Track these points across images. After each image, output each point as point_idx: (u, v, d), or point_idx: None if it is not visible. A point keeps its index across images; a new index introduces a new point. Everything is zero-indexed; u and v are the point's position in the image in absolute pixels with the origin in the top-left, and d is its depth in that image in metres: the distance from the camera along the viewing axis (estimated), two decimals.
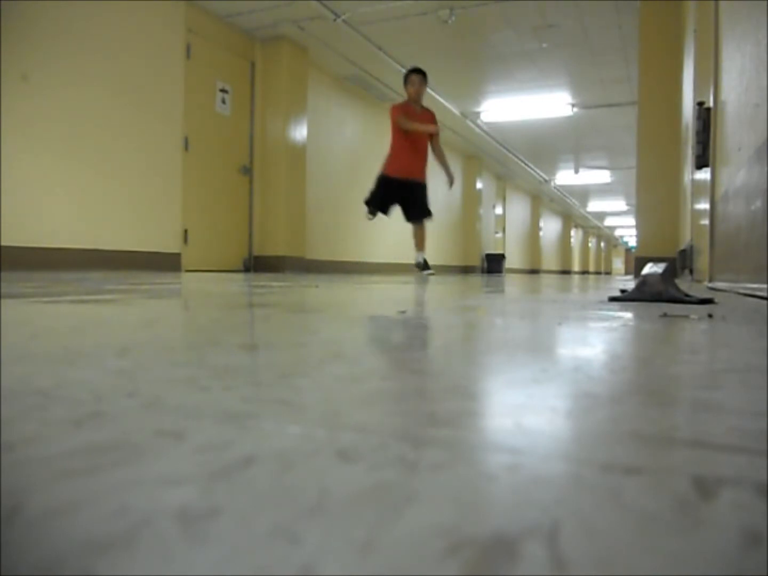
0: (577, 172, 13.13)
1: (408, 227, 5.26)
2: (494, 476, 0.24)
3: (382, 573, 0.16)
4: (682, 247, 5.34)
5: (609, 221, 25.07)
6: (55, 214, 4.45)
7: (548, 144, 11.04)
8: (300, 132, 6.65)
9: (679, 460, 0.27)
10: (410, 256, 5.67)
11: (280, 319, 1.00)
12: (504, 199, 14.63)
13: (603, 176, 13.71)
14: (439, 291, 2.27)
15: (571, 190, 16.21)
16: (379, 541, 0.18)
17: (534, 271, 16.91)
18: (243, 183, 6.40)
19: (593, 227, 27.18)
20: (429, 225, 5.77)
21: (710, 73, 3.45)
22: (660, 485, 0.23)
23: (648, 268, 1.53)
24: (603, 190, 16.08)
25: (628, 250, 35.41)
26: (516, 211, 15.82)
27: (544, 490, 0.22)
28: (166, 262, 5.37)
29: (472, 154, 11.91)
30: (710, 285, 3.01)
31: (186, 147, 5.64)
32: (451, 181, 5.53)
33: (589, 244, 29.61)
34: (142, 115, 5.13)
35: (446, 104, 8.72)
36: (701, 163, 3.65)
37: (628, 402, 0.38)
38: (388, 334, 0.79)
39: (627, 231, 28.78)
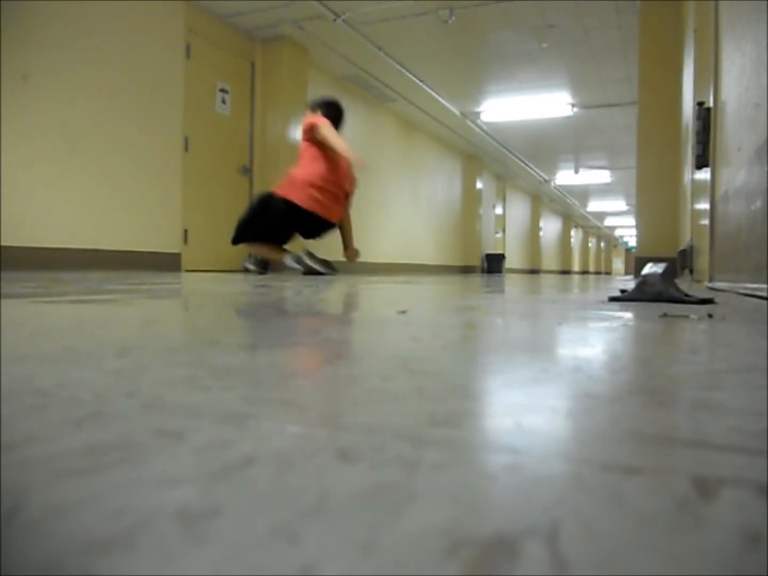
0: (577, 172, 13.13)
1: (410, 228, 5.07)
2: (494, 476, 0.24)
3: (382, 573, 0.16)
4: (682, 247, 5.34)
5: (609, 221, 25.07)
6: (55, 214, 4.45)
7: (548, 144, 11.04)
8: (300, 132, 6.65)
9: (679, 460, 0.27)
10: (410, 256, 5.62)
11: (279, 319, 1.00)
12: (504, 199, 14.63)
13: (603, 176, 13.71)
14: (438, 291, 2.27)
15: (571, 190, 16.21)
16: (379, 541, 0.18)
17: (534, 271, 16.91)
18: (243, 183, 6.40)
19: (593, 227, 27.18)
20: (429, 224, 5.70)
21: (710, 73, 3.45)
22: (660, 485, 0.23)
23: (648, 268, 1.53)
24: (603, 190, 16.08)
25: (628, 250, 35.41)
26: (516, 211, 15.82)
27: (544, 490, 0.22)
28: (166, 262, 5.37)
29: (472, 154, 11.92)
30: (710, 285, 3.01)
31: (186, 147, 5.64)
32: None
33: (589, 244, 29.62)
34: (142, 115, 5.13)
35: (446, 104, 8.73)
36: (701, 163, 3.65)
37: (628, 402, 0.38)
38: (388, 334, 0.79)
39: (627, 231, 28.78)
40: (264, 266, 4.75)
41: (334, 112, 4.69)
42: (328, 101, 4.76)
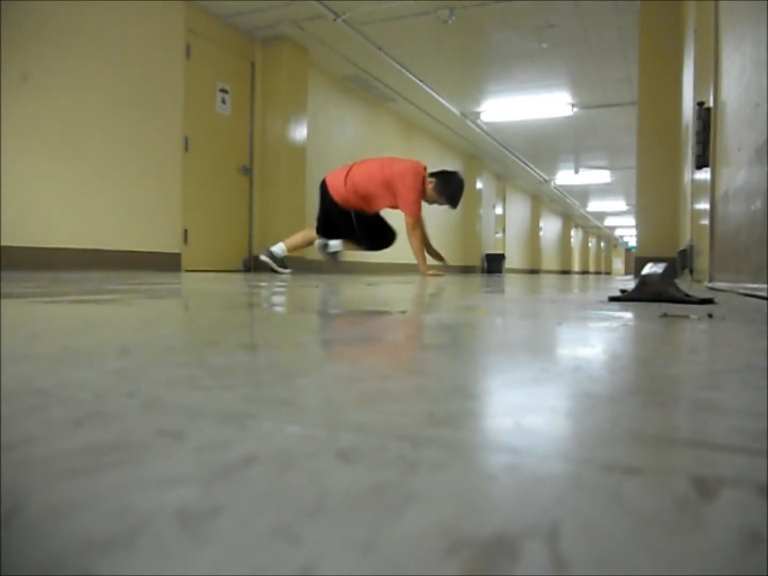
0: (577, 172, 13.13)
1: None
2: (494, 476, 0.24)
3: (382, 573, 0.16)
4: (682, 247, 5.33)
5: (609, 221, 25.07)
6: (55, 214, 4.45)
7: (548, 144, 11.04)
8: (300, 132, 6.65)
9: (679, 460, 0.27)
10: (410, 256, 5.61)
11: (279, 319, 1.00)
12: (504, 199, 14.62)
13: (603, 176, 13.71)
14: (438, 291, 2.27)
15: (571, 190, 16.20)
16: (379, 541, 0.18)
17: (534, 271, 16.91)
18: (243, 183, 6.40)
19: (593, 227, 27.17)
20: (428, 224, 5.70)
21: (710, 73, 3.45)
22: (660, 485, 0.23)
23: (648, 268, 1.53)
24: (603, 190, 16.08)
25: (628, 250, 35.40)
26: (516, 211, 15.82)
27: (544, 490, 0.22)
28: (166, 262, 5.37)
29: (472, 154, 11.91)
30: (710, 285, 3.01)
31: (186, 147, 5.64)
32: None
33: (589, 244, 29.61)
34: (142, 115, 5.13)
35: (446, 104, 8.73)
36: (701, 163, 3.64)
37: (628, 402, 0.38)
38: (388, 335, 0.79)
39: (627, 231, 28.77)
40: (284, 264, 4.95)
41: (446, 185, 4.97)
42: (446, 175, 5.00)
